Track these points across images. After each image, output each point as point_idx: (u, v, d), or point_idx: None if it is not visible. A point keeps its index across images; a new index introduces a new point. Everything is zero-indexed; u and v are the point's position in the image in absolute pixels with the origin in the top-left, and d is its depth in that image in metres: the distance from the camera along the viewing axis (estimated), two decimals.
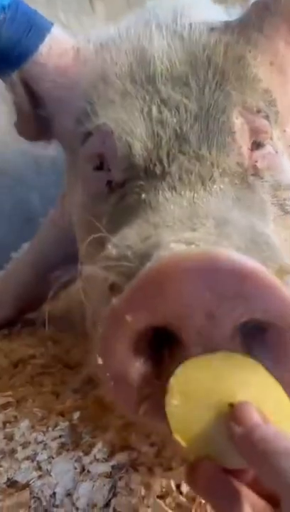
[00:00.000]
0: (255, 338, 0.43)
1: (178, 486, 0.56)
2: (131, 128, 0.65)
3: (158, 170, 0.60)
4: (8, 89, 0.83)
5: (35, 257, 1.27)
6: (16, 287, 1.25)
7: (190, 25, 0.74)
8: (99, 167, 0.68)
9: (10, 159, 1.70)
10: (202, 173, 0.58)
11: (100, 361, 0.43)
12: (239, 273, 0.40)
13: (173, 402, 0.41)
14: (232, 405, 0.41)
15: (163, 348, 0.44)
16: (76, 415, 0.72)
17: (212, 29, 0.74)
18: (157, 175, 0.60)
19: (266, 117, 0.72)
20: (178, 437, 0.41)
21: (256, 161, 0.67)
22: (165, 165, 0.60)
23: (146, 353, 0.44)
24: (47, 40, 0.78)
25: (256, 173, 0.66)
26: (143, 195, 0.58)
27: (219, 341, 0.42)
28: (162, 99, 0.67)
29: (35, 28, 0.78)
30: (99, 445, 0.63)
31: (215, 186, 0.57)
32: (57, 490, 0.60)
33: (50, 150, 0.97)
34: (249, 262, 0.41)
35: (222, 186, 0.58)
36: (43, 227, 1.30)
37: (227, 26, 0.74)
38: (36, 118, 0.85)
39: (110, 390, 0.44)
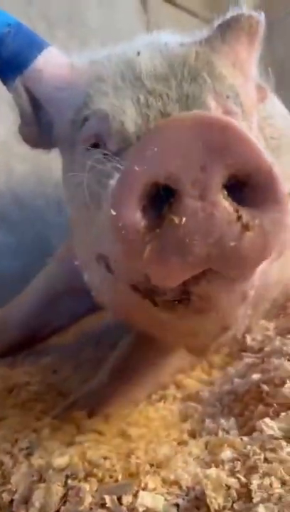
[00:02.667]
0: (235, 194, 0.51)
1: (119, 499, 0.58)
2: (123, 110, 0.76)
3: None
4: (12, 94, 0.98)
5: (41, 287, 1.36)
6: (22, 315, 1.33)
7: (166, 43, 0.90)
8: (96, 145, 0.78)
9: (30, 195, 1.84)
10: None
11: (113, 212, 0.51)
12: (225, 129, 0.49)
13: None
14: None
15: (164, 204, 0.51)
16: (46, 431, 0.76)
17: (182, 44, 0.89)
18: None
19: (235, 103, 0.84)
20: None
21: None
22: None
23: (149, 206, 0.51)
24: (45, 52, 0.94)
25: None
26: None
27: (210, 192, 0.49)
28: (147, 90, 0.79)
29: (35, 43, 0.95)
30: (57, 456, 0.67)
31: None
32: (16, 496, 0.64)
33: None
34: (234, 122, 0.51)
35: None
36: (51, 262, 1.39)
37: (196, 41, 0.90)
38: (37, 122, 1.00)
39: (118, 239, 0.51)
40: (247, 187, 0.51)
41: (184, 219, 0.49)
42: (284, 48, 3.17)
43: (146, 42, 0.95)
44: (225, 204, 0.50)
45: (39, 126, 1.00)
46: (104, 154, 0.75)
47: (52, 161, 1.12)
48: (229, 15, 0.93)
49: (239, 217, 0.50)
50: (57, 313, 1.35)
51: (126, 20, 2.41)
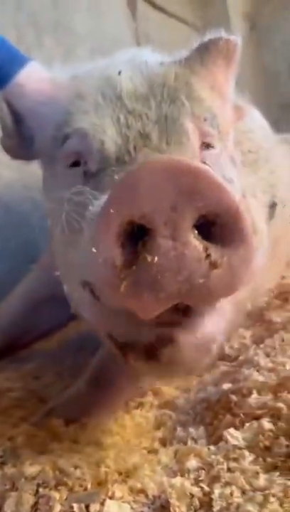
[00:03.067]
0: (205, 233, 0.54)
1: (87, 507, 0.60)
2: (104, 129, 0.79)
3: (127, 158, 0.73)
4: None
5: (23, 294, 1.37)
6: (3, 322, 1.34)
7: (146, 61, 0.93)
8: (76, 163, 0.81)
9: (16, 200, 1.85)
10: None
11: (93, 250, 0.55)
12: (195, 173, 0.53)
13: None
14: None
15: (139, 241, 0.55)
16: (20, 439, 0.78)
17: (162, 63, 0.92)
18: (126, 161, 0.72)
19: (211, 125, 0.88)
20: None
21: (205, 156, 0.82)
22: (133, 154, 0.73)
23: (127, 242, 0.54)
24: (27, 67, 0.98)
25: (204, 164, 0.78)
26: (116, 176, 0.69)
27: (180, 232, 0.53)
28: (128, 110, 0.82)
29: (17, 59, 0.99)
30: (29, 465, 0.69)
31: None
32: None
33: None
34: (203, 166, 0.56)
35: None
36: (34, 269, 1.41)
37: (175, 61, 0.93)
38: (19, 135, 1.03)
39: (98, 273, 0.56)
40: (216, 226, 0.54)
41: (156, 258, 0.52)
42: (270, 53, 3.21)
43: (127, 58, 0.98)
44: (195, 243, 0.53)
45: (20, 138, 1.02)
46: (84, 173, 0.78)
47: (38, 168, 1.14)
48: (207, 37, 0.97)
49: (208, 256, 0.53)
50: (39, 321, 1.36)
51: (114, 27, 2.43)
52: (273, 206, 1.30)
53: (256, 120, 1.38)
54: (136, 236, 0.54)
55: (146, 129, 0.78)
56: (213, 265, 0.53)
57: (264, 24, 3.13)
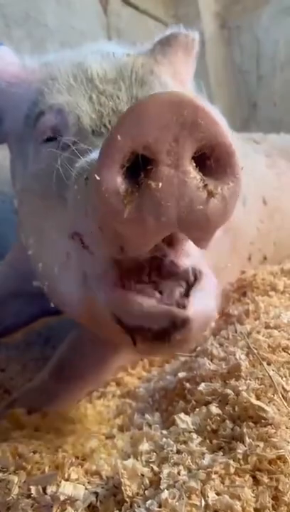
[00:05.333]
0: (201, 165, 0.58)
1: (44, 489, 0.64)
2: (78, 105, 0.83)
3: (103, 130, 0.78)
4: None
5: None
6: None
7: (113, 52, 0.99)
8: (51, 139, 0.84)
9: None
10: None
11: (97, 177, 0.56)
12: (197, 107, 0.56)
13: None
14: None
15: (141, 172, 0.57)
16: None
17: (128, 54, 0.98)
18: (103, 134, 0.77)
19: None
20: None
21: None
22: (108, 127, 0.77)
23: (129, 173, 0.57)
24: None
25: None
26: (95, 144, 0.72)
27: (182, 162, 0.55)
28: (99, 91, 0.87)
29: None
30: None
31: None
32: None
33: None
34: (204, 103, 0.59)
35: None
36: (1, 264, 1.42)
37: (140, 53, 1.01)
38: None
39: (103, 200, 0.57)
40: (210, 159, 0.58)
41: (160, 184, 0.55)
42: (240, 51, 3.27)
43: (96, 49, 1.03)
44: (195, 173, 0.57)
45: None
46: (63, 144, 0.80)
47: (6, 160, 1.15)
48: (168, 32, 1.06)
49: (205, 185, 0.57)
50: (6, 315, 1.38)
51: (85, 22, 2.43)
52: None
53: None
54: (139, 168, 0.57)
55: (119, 107, 0.82)
56: (210, 194, 0.57)
57: (234, 23, 3.19)
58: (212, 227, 0.60)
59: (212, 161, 0.58)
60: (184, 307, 0.64)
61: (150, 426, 0.76)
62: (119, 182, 0.56)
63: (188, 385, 0.81)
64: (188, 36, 1.06)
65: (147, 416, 0.79)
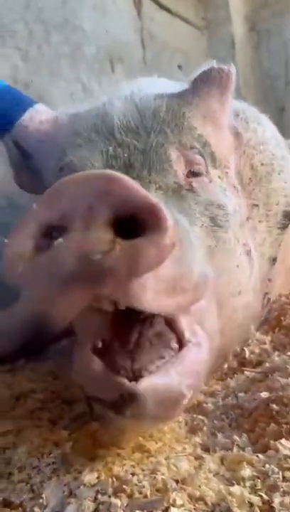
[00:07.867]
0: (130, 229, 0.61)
1: None
2: (92, 162, 0.87)
3: None
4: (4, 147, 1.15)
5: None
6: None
7: (142, 96, 1.01)
8: None
9: None
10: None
11: (6, 241, 0.63)
12: (108, 178, 0.63)
13: None
14: None
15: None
16: (68, 446, 0.80)
17: (158, 97, 1.00)
18: None
19: (200, 153, 0.94)
20: None
21: (191, 182, 0.89)
22: None
23: (42, 243, 0.63)
24: (30, 111, 1.11)
25: (191, 189, 0.88)
26: None
27: (91, 224, 0.60)
28: (117, 142, 0.89)
29: (20, 104, 1.13)
30: (86, 472, 0.71)
31: None
32: (47, 510, 0.68)
33: None
34: (118, 174, 0.64)
35: (154, 194, 0.76)
36: None
37: (170, 95, 1.02)
38: (27, 169, 1.15)
39: (6, 262, 0.63)
40: (138, 221, 0.61)
41: (60, 243, 0.60)
42: (268, 56, 3.25)
43: (125, 95, 1.06)
44: (103, 232, 0.60)
45: (30, 173, 1.15)
46: None
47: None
48: (201, 69, 1.05)
49: (113, 241, 0.59)
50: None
51: (119, 26, 2.44)
52: (287, 216, 1.34)
53: (267, 130, 1.39)
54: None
55: (131, 159, 0.85)
56: (113, 247, 0.59)
57: (263, 27, 3.17)
58: (117, 277, 0.59)
59: (140, 220, 0.61)
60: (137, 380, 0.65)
61: (242, 448, 0.75)
62: (23, 245, 0.62)
63: (274, 406, 0.80)
64: (221, 71, 1.03)
65: (235, 437, 0.79)
